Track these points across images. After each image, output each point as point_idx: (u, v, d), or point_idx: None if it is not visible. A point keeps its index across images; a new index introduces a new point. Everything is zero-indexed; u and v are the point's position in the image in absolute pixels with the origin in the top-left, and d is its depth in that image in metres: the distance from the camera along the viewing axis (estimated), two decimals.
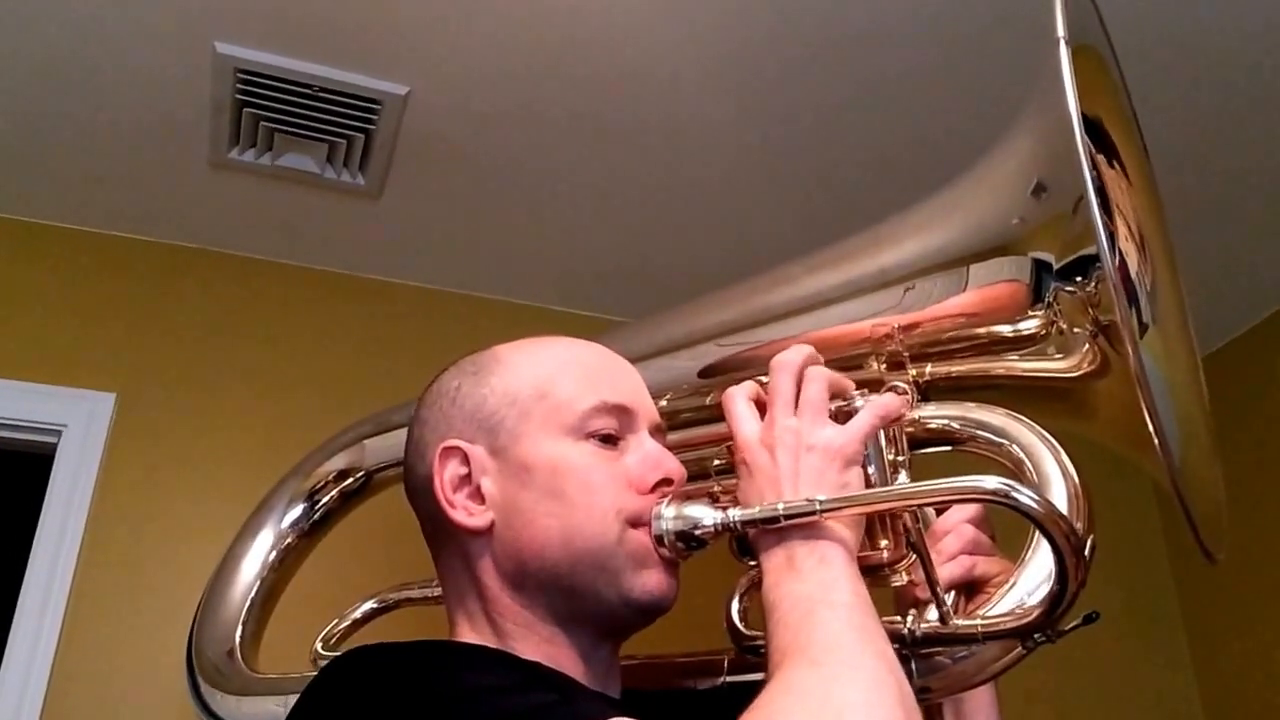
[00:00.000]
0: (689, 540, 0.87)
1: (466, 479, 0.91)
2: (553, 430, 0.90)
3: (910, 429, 0.96)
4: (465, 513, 0.90)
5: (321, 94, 1.91)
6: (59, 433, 2.02)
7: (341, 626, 1.34)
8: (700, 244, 2.31)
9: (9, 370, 2.04)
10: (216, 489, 2.06)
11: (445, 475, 0.91)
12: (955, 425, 0.96)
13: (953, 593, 0.91)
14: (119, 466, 2.04)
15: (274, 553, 1.31)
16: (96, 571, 1.93)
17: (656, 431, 0.95)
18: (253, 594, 1.29)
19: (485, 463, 0.91)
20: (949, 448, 0.98)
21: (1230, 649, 2.52)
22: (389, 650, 0.79)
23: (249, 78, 1.86)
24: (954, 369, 1.02)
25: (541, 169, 2.12)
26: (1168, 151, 1.97)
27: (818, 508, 0.79)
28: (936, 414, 0.97)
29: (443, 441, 0.92)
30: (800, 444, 0.83)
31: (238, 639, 1.26)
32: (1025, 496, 0.77)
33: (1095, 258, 0.84)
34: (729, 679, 0.95)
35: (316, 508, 1.34)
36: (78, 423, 2.04)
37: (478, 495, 0.90)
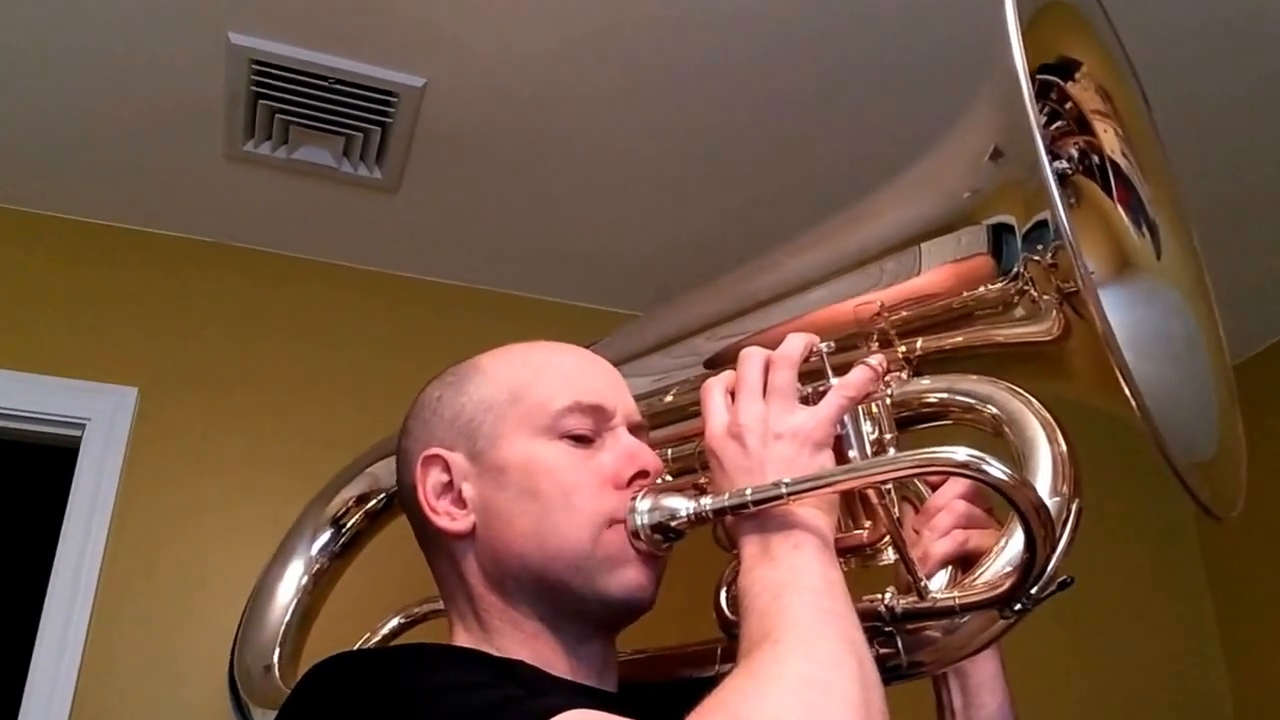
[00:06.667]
0: (665, 532, 0.87)
1: (449, 485, 0.93)
2: (526, 431, 0.91)
3: (901, 403, 0.96)
4: (448, 518, 0.92)
5: (337, 86, 1.88)
6: (83, 426, 2.03)
7: (373, 641, 1.37)
8: (725, 239, 2.24)
9: (33, 364, 2.05)
10: (239, 481, 2.08)
11: (428, 483, 0.93)
12: (943, 398, 0.96)
13: (949, 568, 0.90)
14: (142, 460, 2.05)
15: (306, 576, 1.34)
16: (122, 564, 1.95)
17: (637, 429, 0.96)
18: (289, 616, 1.32)
19: (465, 468, 0.93)
20: (947, 422, 0.98)
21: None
22: (366, 653, 0.82)
23: (264, 69, 1.84)
24: (943, 342, 1.01)
25: (561, 162, 2.10)
26: (1212, 154, 1.96)
27: (784, 491, 0.79)
28: (926, 388, 0.97)
29: (425, 450, 0.94)
30: (769, 431, 0.83)
31: (275, 658, 1.29)
32: (992, 468, 0.76)
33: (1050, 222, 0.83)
34: (721, 668, 0.95)
35: (344, 531, 1.36)
36: (101, 417, 2.05)
37: (460, 500, 0.92)
